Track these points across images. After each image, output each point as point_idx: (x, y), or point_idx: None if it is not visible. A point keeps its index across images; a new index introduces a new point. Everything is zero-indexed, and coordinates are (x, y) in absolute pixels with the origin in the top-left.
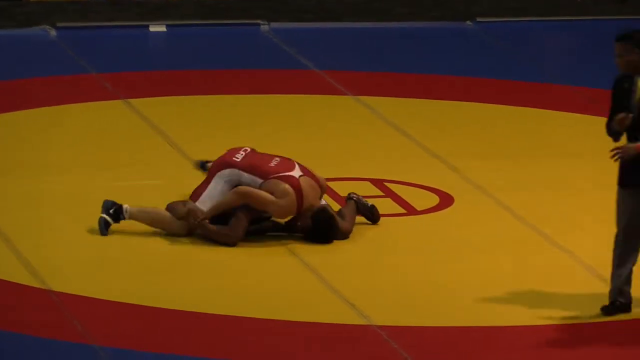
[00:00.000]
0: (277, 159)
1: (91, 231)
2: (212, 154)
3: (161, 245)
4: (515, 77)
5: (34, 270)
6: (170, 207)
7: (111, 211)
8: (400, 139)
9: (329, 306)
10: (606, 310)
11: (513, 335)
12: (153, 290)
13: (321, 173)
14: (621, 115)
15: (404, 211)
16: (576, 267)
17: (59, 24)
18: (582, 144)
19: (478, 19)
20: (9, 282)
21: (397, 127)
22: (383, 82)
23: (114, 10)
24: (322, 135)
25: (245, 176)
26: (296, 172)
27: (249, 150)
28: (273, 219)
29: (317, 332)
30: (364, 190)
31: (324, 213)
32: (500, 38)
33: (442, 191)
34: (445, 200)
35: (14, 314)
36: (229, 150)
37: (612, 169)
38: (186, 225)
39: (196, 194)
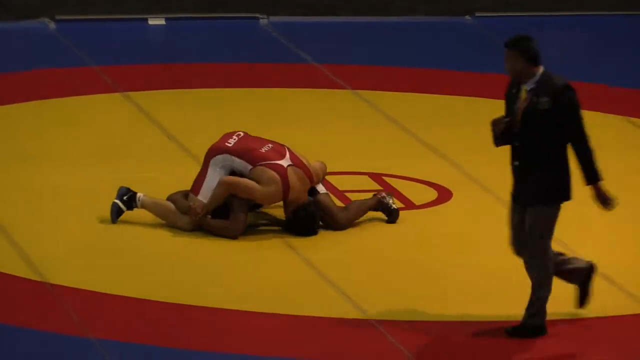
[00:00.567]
0: (270, 145)
1: (89, 223)
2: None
3: (159, 238)
4: None
5: (31, 263)
6: (172, 199)
7: (125, 198)
8: (399, 133)
9: (326, 300)
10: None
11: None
12: (150, 283)
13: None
14: (497, 118)
15: (402, 205)
16: None
17: (58, 17)
18: None
19: (477, 14)
20: (6, 274)
21: (395, 121)
22: (382, 76)
23: (113, 4)
24: (320, 129)
25: (237, 161)
26: (285, 161)
27: (242, 134)
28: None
29: (314, 325)
30: (363, 184)
31: (304, 211)
32: (499, 33)
33: (440, 185)
34: (444, 195)
35: (10, 305)
36: (223, 136)
37: (611, 164)
38: (192, 220)
39: (196, 186)
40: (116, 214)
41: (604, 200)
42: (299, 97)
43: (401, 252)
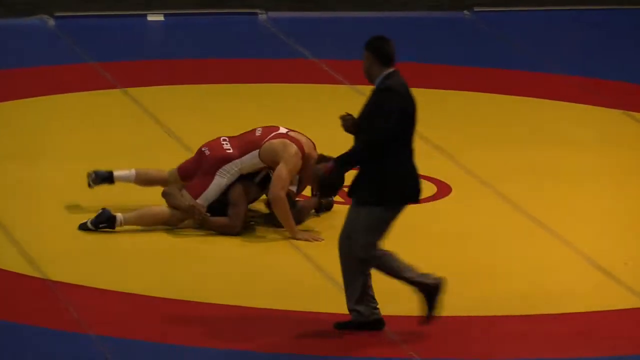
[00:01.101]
0: (259, 129)
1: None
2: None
3: (158, 234)
4: (511, 66)
5: (30, 259)
6: (166, 194)
7: (101, 226)
8: None
9: (326, 295)
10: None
11: (510, 324)
12: (151, 280)
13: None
14: (343, 115)
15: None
16: (574, 256)
17: (58, 13)
18: (580, 133)
19: (475, 9)
20: (5, 270)
21: None
22: None
23: (112, 0)
24: (319, 124)
25: (244, 159)
26: (282, 130)
27: (227, 138)
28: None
29: (314, 321)
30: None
31: (324, 158)
32: (496, 27)
33: (440, 180)
34: (443, 190)
35: (9, 302)
36: (209, 147)
37: (609, 158)
38: (180, 215)
39: (197, 189)
40: (83, 227)
41: (319, 182)
42: (298, 92)
43: (401, 246)
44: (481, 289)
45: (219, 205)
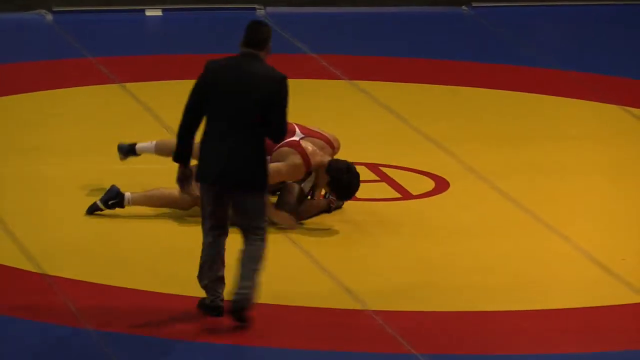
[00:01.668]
0: None
1: (87, 215)
2: None
3: (158, 229)
4: (510, 61)
5: (28, 254)
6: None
7: (110, 203)
8: (396, 123)
9: (324, 291)
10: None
11: (509, 319)
12: (149, 275)
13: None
14: None
15: (399, 195)
16: (571, 251)
17: (55, 8)
18: (578, 128)
19: (473, 4)
20: (4, 265)
21: (392, 111)
22: (378, 66)
23: None
24: (317, 120)
25: None
26: (297, 136)
27: None
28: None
29: (312, 316)
30: (360, 174)
31: (337, 163)
32: (495, 23)
33: (437, 175)
34: (441, 185)
35: (8, 297)
36: None
37: (608, 154)
38: (190, 200)
39: None
40: (92, 210)
41: (181, 180)
42: (296, 87)
43: (399, 242)
44: (478, 284)
45: None
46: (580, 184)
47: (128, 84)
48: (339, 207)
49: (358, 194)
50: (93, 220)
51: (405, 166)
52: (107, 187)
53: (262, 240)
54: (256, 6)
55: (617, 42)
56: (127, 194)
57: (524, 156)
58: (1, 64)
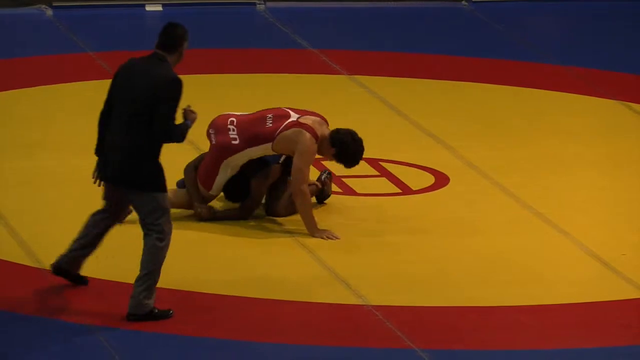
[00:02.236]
0: (270, 116)
1: (87, 210)
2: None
3: None
4: (509, 56)
5: (29, 250)
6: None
7: None
8: (396, 119)
9: (324, 286)
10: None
11: (508, 314)
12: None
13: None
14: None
15: (399, 191)
16: (571, 246)
17: (55, 3)
18: (577, 123)
19: None
20: (4, 260)
21: (392, 106)
22: (378, 61)
23: None
24: None
25: (254, 149)
26: (293, 117)
27: (235, 121)
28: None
29: (312, 311)
30: (360, 169)
31: (339, 134)
32: (494, 18)
33: (437, 171)
34: (441, 180)
35: (8, 292)
36: (215, 129)
37: (607, 149)
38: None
39: (209, 181)
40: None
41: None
42: (296, 82)
43: (399, 237)
44: (478, 279)
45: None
46: (580, 179)
47: None
48: (329, 178)
49: (358, 189)
50: None
51: (405, 161)
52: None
53: (157, 239)
54: (256, 1)
55: (616, 37)
56: None
57: (524, 151)
58: (1, 59)
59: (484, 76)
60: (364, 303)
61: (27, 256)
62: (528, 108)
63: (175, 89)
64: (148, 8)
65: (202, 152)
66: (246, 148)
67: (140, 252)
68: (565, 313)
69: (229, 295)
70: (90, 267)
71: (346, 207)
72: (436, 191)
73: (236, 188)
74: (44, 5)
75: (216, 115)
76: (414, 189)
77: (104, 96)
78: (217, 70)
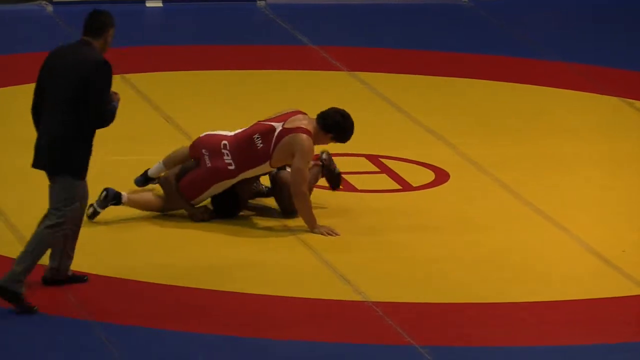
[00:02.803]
0: (256, 136)
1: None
2: (208, 129)
3: (156, 222)
4: (509, 53)
5: None
6: (163, 183)
7: (110, 204)
8: (396, 115)
9: (324, 282)
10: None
11: (508, 311)
12: (150, 266)
13: (316, 149)
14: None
15: (399, 187)
16: (572, 243)
17: (56, 0)
18: (577, 120)
19: None
20: (3, 256)
21: (392, 103)
22: (378, 58)
23: None
24: (317, 111)
25: (251, 172)
26: (278, 127)
27: (227, 144)
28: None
29: (312, 308)
30: (360, 166)
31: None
32: (495, 14)
33: (437, 167)
34: (441, 177)
35: None
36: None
37: (608, 146)
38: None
39: (194, 192)
40: (92, 215)
41: None
42: (296, 79)
43: (399, 233)
44: (478, 275)
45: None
46: (580, 176)
47: (128, 75)
48: (329, 157)
49: (358, 186)
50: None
51: (406, 158)
52: (108, 178)
53: (52, 225)
54: None
55: (618, 34)
56: (124, 194)
57: (524, 148)
58: (1, 55)
59: (485, 73)
60: (364, 299)
61: None
62: (528, 105)
63: (105, 73)
64: (148, 4)
65: (179, 150)
66: (242, 172)
67: (141, 248)
68: (565, 310)
69: (228, 292)
70: (89, 264)
71: (346, 203)
72: (436, 188)
73: (224, 202)
74: (44, 2)
75: (214, 111)
76: (414, 185)
77: None
78: (217, 66)
